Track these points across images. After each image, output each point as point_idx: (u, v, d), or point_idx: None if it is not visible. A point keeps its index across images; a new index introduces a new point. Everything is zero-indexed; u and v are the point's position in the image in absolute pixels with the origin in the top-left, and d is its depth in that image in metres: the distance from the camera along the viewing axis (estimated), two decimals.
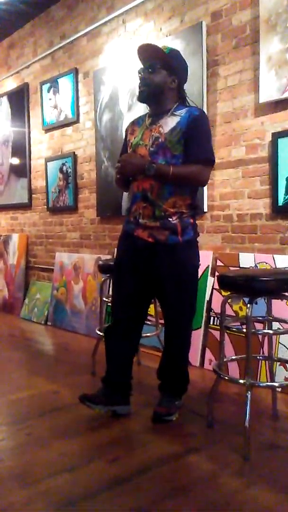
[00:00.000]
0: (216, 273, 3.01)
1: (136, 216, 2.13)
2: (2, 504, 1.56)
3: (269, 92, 2.70)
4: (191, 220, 2.15)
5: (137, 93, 2.19)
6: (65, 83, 4.39)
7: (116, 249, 2.28)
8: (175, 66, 2.13)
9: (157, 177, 2.04)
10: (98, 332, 2.87)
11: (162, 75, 2.10)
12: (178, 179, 2.04)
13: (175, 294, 2.13)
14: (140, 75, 2.14)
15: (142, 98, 2.17)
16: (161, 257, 2.10)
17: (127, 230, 2.21)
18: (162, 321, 3.02)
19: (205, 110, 3.08)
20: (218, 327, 2.85)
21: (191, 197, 2.14)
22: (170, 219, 2.08)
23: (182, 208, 2.10)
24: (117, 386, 2.24)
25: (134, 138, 2.19)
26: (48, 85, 4.59)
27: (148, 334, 2.75)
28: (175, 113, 2.10)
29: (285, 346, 2.59)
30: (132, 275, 2.16)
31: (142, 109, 3.12)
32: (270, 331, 2.20)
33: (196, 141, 2.05)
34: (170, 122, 2.09)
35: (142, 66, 2.14)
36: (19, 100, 5.07)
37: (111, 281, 2.49)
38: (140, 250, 2.13)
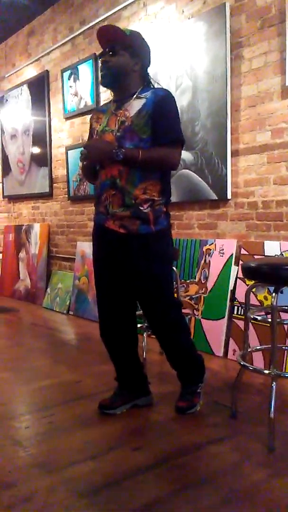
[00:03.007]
0: (240, 262, 2.96)
1: (106, 205, 2.04)
2: (26, 492, 1.56)
3: None
4: (164, 209, 2.06)
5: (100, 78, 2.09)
6: (85, 70, 4.35)
7: (92, 244, 2.20)
8: (137, 48, 2.03)
9: (126, 162, 1.94)
10: None
11: (124, 58, 2.00)
12: (148, 163, 1.96)
13: (150, 286, 2.05)
14: (101, 59, 2.05)
15: (105, 83, 2.07)
16: (134, 248, 2.01)
17: (98, 222, 2.12)
18: None
19: (228, 94, 3.01)
20: (242, 317, 2.81)
21: (162, 182, 2.05)
22: (141, 208, 1.99)
23: (154, 194, 2.01)
24: (130, 381, 2.21)
25: (100, 125, 2.10)
26: (68, 72, 4.56)
27: None
28: (140, 95, 2.01)
29: None
30: (109, 270, 2.09)
31: None
32: None
33: (164, 122, 1.97)
34: (135, 105, 1.99)
35: (102, 50, 2.05)
36: (40, 88, 5.05)
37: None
38: (112, 243, 2.05)
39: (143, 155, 1.93)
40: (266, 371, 1.94)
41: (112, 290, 2.11)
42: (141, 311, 2.22)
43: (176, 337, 2.16)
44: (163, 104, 1.98)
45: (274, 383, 1.84)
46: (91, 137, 2.18)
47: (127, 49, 2.01)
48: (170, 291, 2.14)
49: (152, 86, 2.09)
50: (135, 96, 2.01)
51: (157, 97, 1.98)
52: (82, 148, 2.01)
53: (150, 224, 2.01)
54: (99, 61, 2.08)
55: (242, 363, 2.02)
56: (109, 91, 4.13)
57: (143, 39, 2.08)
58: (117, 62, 2.00)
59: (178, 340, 2.16)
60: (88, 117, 4.38)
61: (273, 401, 1.81)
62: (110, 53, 2.01)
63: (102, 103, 4.21)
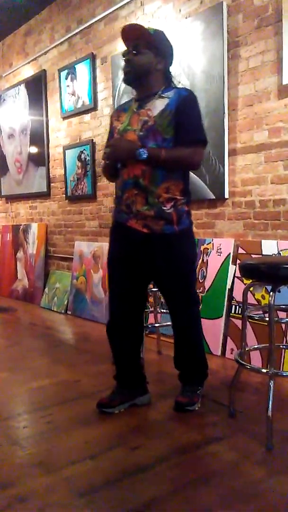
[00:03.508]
0: (238, 261, 2.96)
1: (129, 205, 2.04)
2: (25, 491, 1.56)
3: None
4: (186, 208, 2.08)
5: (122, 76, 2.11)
6: (82, 69, 4.34)
7: (109, 240, 2.21)
8: (161, 47, 2.05)
9: (149, 162, 1.96)
10: None
11: (147, 56, 2.02)
12: (170, 162, 1.97)
13: (174, 286, 2.09)
14: (124, 57, 2.06)
15: (127, 80, 2.08)
16: (158, 249, 2.03)
17: (119, 220, 2.12)
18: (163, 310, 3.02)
19: (225, 93, 3.01)
20: (240, 316, 2.81)
21: (184, 182, 2.07)
22: (165, 208, 2.01)
23: (176, 193, 2.03)
24: (130, 380, 2.22)
25: (121, 124, 2.10)
26: (66, 71, 4.55)
27: (169, 323, 2.72)
28: (163, 95, 2.02)
29: None
30: (127, 268, 2.10)
31: None
32: None
33: (187, 122, 1.98)
34: (159, 105, 2.00)
35: (126, 49, 2.06)
36: (37, 88, 5.04)
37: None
38: (134, 242, 2.06)
39: (165, 154, 1.95)
40: (264, 370, 1.94)
41: (127, 288, 2.13)
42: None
43: (193, 334, 2.20)
44: (186, 104, 1.99)
45: (272, 382, 1.85)
46: (111, 136, 2.18)
47: (151, 48, 2.02)
48: (193, 288, 2.17)
49: (174, 86, 2.09)
50: (157, 95, 2.02)
51: (181, 97, 2.00)
52: (105, 147, 2.02)
53: (174, 224, 2.03)
54: (122, 59, 2.09)
55: (240, 362, 2.02)
56: (106, 91, 4.16)
57: (167, 38, 2.10)
58: (140, 60, 2.02)
59: (194, 337, 2.21)
60: (85, 116, 4.40)
61: (270, 399, 1.82)
62: (134, 51, 2.02)
63: (99, 102, 4.21)
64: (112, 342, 2.22)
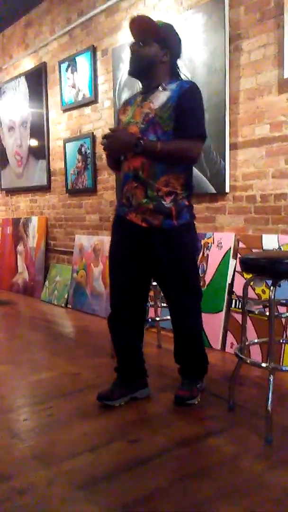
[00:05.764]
0: (238, 255, 2.96)
1: (129, 197, 2.04)
2: (24, 484, 1.57)
3: None
4: (186, 202, 2.07)
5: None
6: (82, 62, 4.31)
7: (110, 233, 2.21)
8: (168, 40, 2.03)
9: (145, 154, 1.95)
10: None
11: (154, 48, 2.01)
12: (167, 155, 1.95)
13: (175, 280, 2.07)
14: (131, 49, 2.04)
15: (132, 71, 2.07)
16: (157, 243, 2.03)
17: (119, 213, 2.12)
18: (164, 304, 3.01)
19: (227, 86, 2.99)
20: (240, 310, 2.81)
21: (185, 176, 2.05)
22: (164, 202, 2.00)
23: (176, 187, 2.02)
24: (131, 373, 2.22)
25: (126, 117, 2.10)
26: (66, 64, 4.52)
27: (168, 317, 2.72)
28: (166, 87, 2.00)
29: None
30: (128, 262, 2.10)
31: None
32: None
33: (186, 115, 1.96)
34: (161, 97, 1.99)
35: (133, 40, 2.05)
36: (37, 80, 5.01)
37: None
38: (134, 236, 2.06)
39: (161, 147, 1.93)
40: (264, 365, 1.94)
41: (128, 281, 2.13)
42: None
43: (193, 328, 2.19)
44: (188, 97, 1.98)
45: (272, 376, 1.85)
46: None
47: (158, 40, 2.01)
48: (194, 282, 2.15)
49: (179, 78, 2.08)
50: (160, 88, 2.01)
51: (182, 89, 1.98)
52: (102, 139, 2.02)
53: (173, 219, 2.02)
54: (130, 51, 2.07)
55: (239, 356, 2.03)
56: (107, 83, 4.13)
57: (175, 31, 2.08)
58: (147, 52, 2.01)
59: (195, 332, 2.19)
60: (86, 109, 4.38)
61: (270, 394, 1.82)
62: (140, 44, 2.01)
63: (100, 95, 4.19)
64: (113, 333, 2.22)
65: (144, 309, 2.25)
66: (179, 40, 2.10)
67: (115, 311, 2.19)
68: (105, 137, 2.01)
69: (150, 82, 2.05)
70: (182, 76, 2.12)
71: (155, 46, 2.01)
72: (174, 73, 2.09)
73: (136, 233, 2.05)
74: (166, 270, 2.08)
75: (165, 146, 1.94)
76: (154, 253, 2.06)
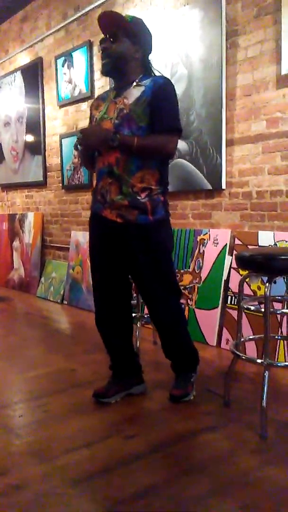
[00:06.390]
0: (234, 252, 2.96)
1: (103, 194, 2.02)
2: (20, 479, 1.58)
3: None
4: (162, 198, 2.05)
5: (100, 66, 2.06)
6: (79, 57, 4.29)
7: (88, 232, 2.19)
8: (139, 35, 2.00)
9: (122, 149, 1.93)
10: None
11: (125, 45, 1.98)
12: (143, 150, 1.94)
13: (151, 276, 2.05)
14: (101, 46, 2.01)
15: (105, 71, 2.04)
16: (133, 239, 2.00)
17: (95, 211, 2.11)
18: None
19: (223, 82, 2.98)
20: (236, 307, 2.82)
21: (160, 172, 2.03)
22: (139, 198, 1.98)
23: (151, 183, 2.00)
24: (125, 370, 2.22)
25: (99, 112, 2.08)
26: (62, 59, 4.50)
27: None
28: (140, 83, 1.99)
29: None
30: (106, 259, 2.09)
31: None
32: None
33: (161, 110, 1.95)
34: (135, 93, 1.98)
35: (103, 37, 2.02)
36: (33, 75, 4.98)
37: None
38: (110, 233, 2.04)
39: (138, 142, 1.92)
40: (259, 361, 1.95)
41: (108, 279, 2.11)
42: (135, 301, 2.22)
43: (174, 324, 2.16)
44: (162, 92, 1.96)
45: (267, 372, 1.86)
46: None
47: (128, 36, 1.98)
48: (171, 278, 2.13)
49: (153, 74, 2.07)
50: (134, 83, 2.00)
51: (156, 84, 1.97)
52: (78, 133, 2.00)
53: (148, 214, 2.00)
54: (100, 48, 2.05)
55: (235, 352, 2.03)
56: (103, 79, 4.11)
57: (145, 25, 2.05)
58: (118, 49, 1.98)
59: (176, 328, 2.17)
60: (82, 104, 4.36)
61: (265, 389, 1.83)
62: (111, 39, 1.98)
63: (96, 90, 4.17)
64: (101, 333, 2.21)
65: (129, 306, 2.22)
66: (150, 35, 2.07)
67: (100, 312, 2.18)
68: (81, 132, 1.99)
69: (123, 78, 2.03)
70: (156, 72, 2.10)
71: (126, 42, 1.98)
72: (147, 69, 2.06)
73: (112, 230, 2.03)
74: (142, 267, 2.05)
75: (142, 141, 1.93)
76: (130, 249, 2.03)
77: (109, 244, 2.07)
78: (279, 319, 2.63)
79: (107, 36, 1.99)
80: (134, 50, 2.00)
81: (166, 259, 2.10)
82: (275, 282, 1.92)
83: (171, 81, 2.06)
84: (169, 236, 2.12)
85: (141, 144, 1.92)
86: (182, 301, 3.21)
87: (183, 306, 3.22)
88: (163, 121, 1.95)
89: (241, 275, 2.67)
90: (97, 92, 4.16)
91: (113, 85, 2.11)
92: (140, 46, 2.01)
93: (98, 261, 2.13)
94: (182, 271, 3.32)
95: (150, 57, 2.09)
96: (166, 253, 2.10)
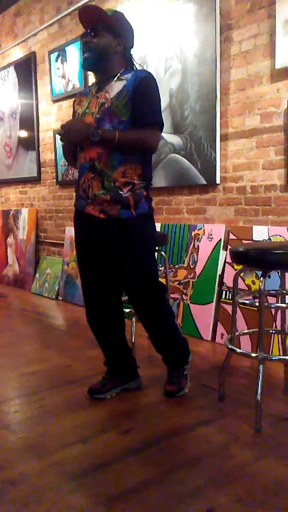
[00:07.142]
0: (229, 247, 2.97)
1: (85, 189, 2.01)
2: (16, 475, 1.58)
3: (285, 57, 2.58)
4: (144, 193, 2.03)
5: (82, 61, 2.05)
6: (72, 52, 4.27)
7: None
8: (120, 29, 1.99)
9: (103, 143, 1.92)
10: None
11: (106, 39, 1.96)
12: (125, 145, 1.93)
13: (134, 271, 2.03)
14: (82, 40, 2.00)
15: (87, 66, 2.03)
16: (116, 235, 1.99)
17: (78, 207, 2.09)
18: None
19: (217, 77, 2.98)
20: (230, 301, 2.83)
21: (142, 166, 2.02)
22: (121, 192, 1.96)
23: (133, 178, 1.98)
24: (120, 366, 2.22)
25: (81, 107, 2.07)
26: (56, 53, 4.47)
27: None
28: (121, 77, 1.98)
29: None
30: (92, 255, 2.08)
31: None
32: (283, 305, 2.16)
33: (143, 104, 1.94)
34: (116, 87, 1.96)
35: (84, 31, 2.00)
36: (26, 70, 4.95)
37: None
38: (93, 229, 2.03)
39: (120, 136, 1.91)
40: (254, 355, 1.96)
41: (96, 275, 2.10)
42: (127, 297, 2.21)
43: (160, 321, 2.14)
44: (143, 86, 1.94)
45: (261, 366, 1.87)
46: None
47: (110, 30, 1.96)
48: (154, 275, 2.10)
49: (134, 68, 2.05)
50: (116, 77, 1.98)
51: (138, 78, 1.95)
52: (60, 129, 1.99)
53: (131, 209, 1.99)
54: (81, 42, 2.03)
55: (229, 346, 2.04)
56: None
57: (126, 19, 2.03)
58: (99, 43, 1.96)
59: (163, 325, 2.15)
60: None
61: (260, 383, 1.84)
62: (92, 33, 1.96)
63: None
64: (93, 330, 2.21)
65: (119, 302, 2.20)
66: (132, 29, 2.05)
67: (90, 309, 2.17)
68: (62, 127, 1.98)
69: (105, 72, 2.01)
70: (137, 66, 2.08)
71: (108, 36, 1.97)
72: (128, 63, 2.05)
73: (95, 226, 2.02)
74: (125, 262, 2.03)
75: (123, 135, 1.92)
76: (114, 246, 2.02)
77: (94, 241, 2.06)
78: (273, 313, 2.64)
79: (88, 30, 1.98)
80: (116, 44, 1.98)
81: (148, 255, 2.07)
82: (269, 277, 1.94)
83: (158, 74, 2.03)
84: (152, 231, 2.10)
85: (123, 138, 1.91)
86: (176, 296, 3.23)
87: (177, 301, 3.23)
88: (144, 115, 1.94)
89: (235, 269, 2.68)
90: None
91: (94, 80, 2.10)
92: (122, 40, 2.00)
93: (84, 257, 2.12)
94: (176, 266, 3.33)
95: (132, 51, 2.08)
96: (148, 248, 2.07)
